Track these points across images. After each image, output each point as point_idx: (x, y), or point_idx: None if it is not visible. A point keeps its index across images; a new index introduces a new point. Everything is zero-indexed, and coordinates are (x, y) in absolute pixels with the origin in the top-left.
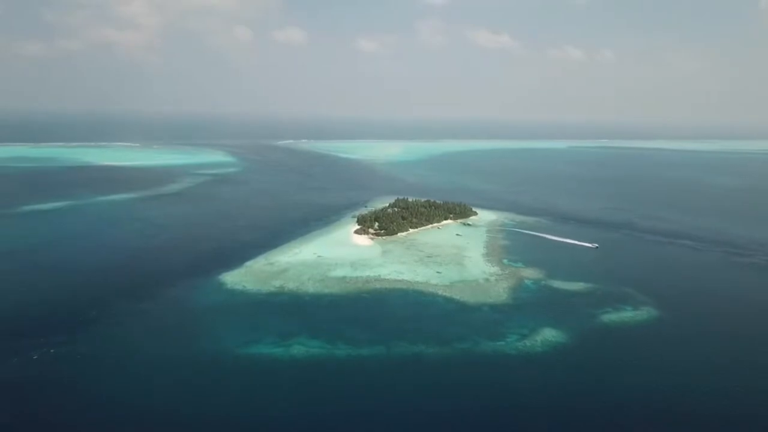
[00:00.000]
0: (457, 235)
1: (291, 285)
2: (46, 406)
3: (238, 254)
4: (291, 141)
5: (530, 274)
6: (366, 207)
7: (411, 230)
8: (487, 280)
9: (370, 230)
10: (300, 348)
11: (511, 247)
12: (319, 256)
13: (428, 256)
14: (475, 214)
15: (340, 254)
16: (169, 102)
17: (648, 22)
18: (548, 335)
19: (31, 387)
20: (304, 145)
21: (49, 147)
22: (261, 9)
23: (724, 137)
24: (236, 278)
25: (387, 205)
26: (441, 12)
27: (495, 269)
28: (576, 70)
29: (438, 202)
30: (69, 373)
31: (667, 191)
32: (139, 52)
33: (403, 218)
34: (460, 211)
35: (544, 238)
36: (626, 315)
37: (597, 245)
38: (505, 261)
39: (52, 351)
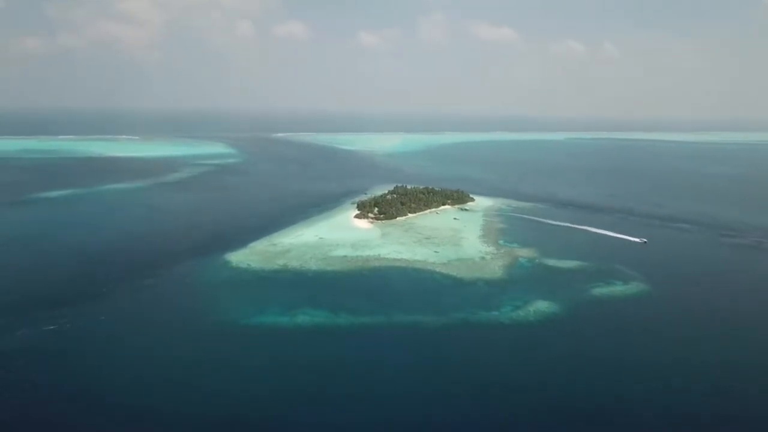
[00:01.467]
0: (455, 219)
1: (294, 263)
2: (63, 372)
3: (241, 237)
4: (291, 134)
5: (525, 253)
6: (365, 194)
7: (410, 215)
8: (483, 258)
9: (370, 215)
10: (304, 317)
11: (507, 230)
12: (320, 238)
13: (426, 238)
14: (473, 200)
15: (341, 236)
16: (170, 98)
17: (650, 16)
18: (541, 307)
19: (48, 355)
20: (304, 137)
21: (55, 140)
22: (263, 3)
23: (724, 130)
24: (241, 258)
25: (386, 192)
26: (443, 6)
27: (491, 249)
28: (578, 65)
29: (436, 189)
30: (84, 343)
31: (663, 180)
32: (141, 48)
33: (402, 203)
34: (457, 197)
35: (542, 222)
36: (617, 289)
37: (646, 240)
38: (500, 242)
39: (67, 323)
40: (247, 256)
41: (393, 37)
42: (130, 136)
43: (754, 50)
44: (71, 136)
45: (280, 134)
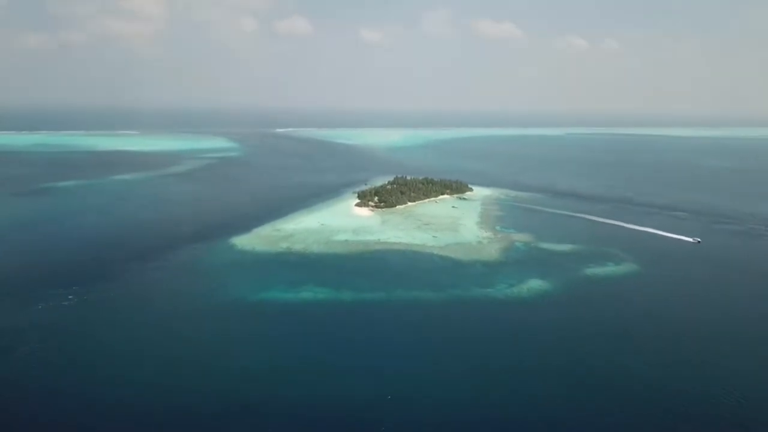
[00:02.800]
0: (453, 207)
1: (297, 246)
2: (79, 339)
3: (245, 223)
4: (293, 129)
5: (520, 238)
6: (366, 185)
7: (409, 203)
8: (480, 242)
9: (370, 203)
10: (309, 294)
11: (504, 217)
12: (322, 224)
13: (425, 224)
14: (471, 190)
15: (342, 222)
16: (172, 95)
17: (651, 12)
18: (534, 285)
19: (66, 326)
20: (306, 132)
21: (62, 136)
22: None
23: (723, 125)
24: (246, 241)
25: (386, 182)
26: (446, 2)
27: (488, 234)
28: (579, 61)
29: (435, 179)
30: (100, 315)
31: (656, 172)
32: (143, 44)
33: (402, 193)
34: (456, 188)
35: (538, 210)
36: (608, 269)
37: (699, 240)
38: (497, 228)
39: (84, 298)
40: (251, 240)
41: (396, 34)
42: (131, 131)
43: (758, 43)
44: (76, 132)
45: (281, 129)
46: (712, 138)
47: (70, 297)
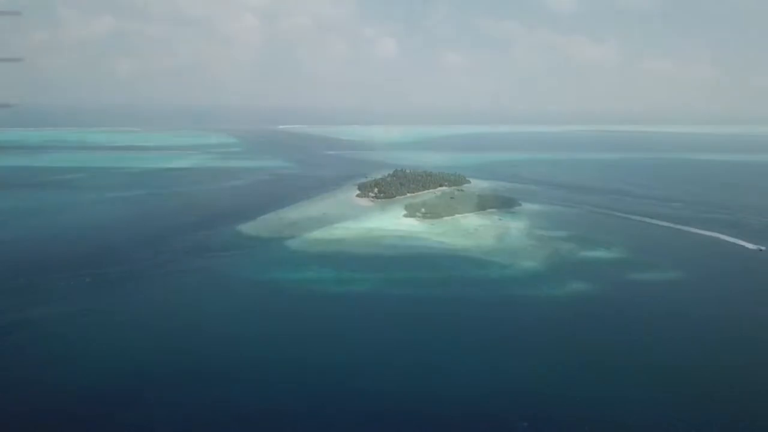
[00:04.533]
0: (451, 198)
1: (301, 232)
2: (103, 306)
3: (250, 212)
4: (294, 126)
5: (515, 224)
6: (366, 178)
7: (408, 194)
8: (476, 229)
9: (371, 194)
10: (311, 273)
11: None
12: (324, 213)
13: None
14: (469, 182)
15: (344, 211)
16: (172, 92)
17: (651, 11)
18: (527, 265)
19: (87, 300)
20: (307, 129)
21: (65, 132)
22: None
23: (723, 123)
24: (251, 227)
25: (386, 175)
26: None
27: (485, 222)
28: (580, 59)
29: (434, 172)
30: (115, 292)
31: (649, 167)
32: (144, 42)
33: (401, 184)
34: (454, 180)
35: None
36: (599, 254)
37: (763, 248)
38: (494, 216)
39: (100, 278)
40: (257, 226)
41: (397, 31)
42: (133, 128)
43: (757, 43)
44: (78, 128)
45: (283, 126)
46: (714, 135)
47: (84, 277)
